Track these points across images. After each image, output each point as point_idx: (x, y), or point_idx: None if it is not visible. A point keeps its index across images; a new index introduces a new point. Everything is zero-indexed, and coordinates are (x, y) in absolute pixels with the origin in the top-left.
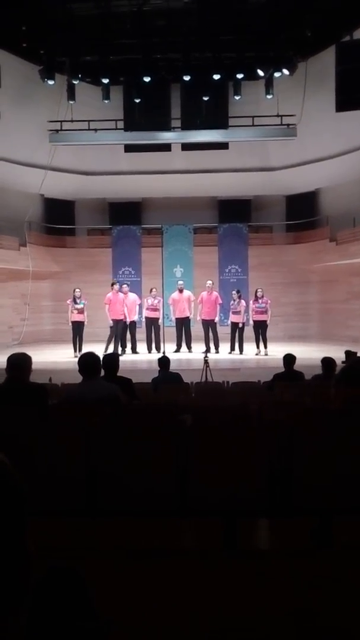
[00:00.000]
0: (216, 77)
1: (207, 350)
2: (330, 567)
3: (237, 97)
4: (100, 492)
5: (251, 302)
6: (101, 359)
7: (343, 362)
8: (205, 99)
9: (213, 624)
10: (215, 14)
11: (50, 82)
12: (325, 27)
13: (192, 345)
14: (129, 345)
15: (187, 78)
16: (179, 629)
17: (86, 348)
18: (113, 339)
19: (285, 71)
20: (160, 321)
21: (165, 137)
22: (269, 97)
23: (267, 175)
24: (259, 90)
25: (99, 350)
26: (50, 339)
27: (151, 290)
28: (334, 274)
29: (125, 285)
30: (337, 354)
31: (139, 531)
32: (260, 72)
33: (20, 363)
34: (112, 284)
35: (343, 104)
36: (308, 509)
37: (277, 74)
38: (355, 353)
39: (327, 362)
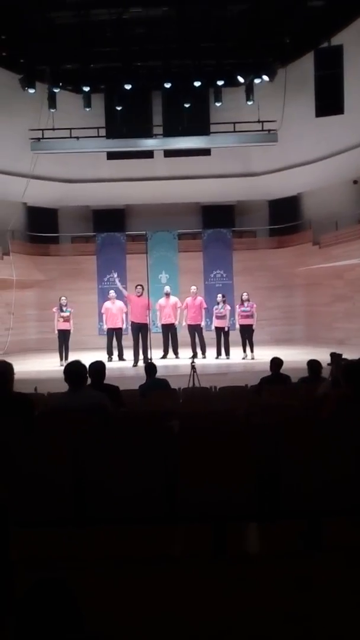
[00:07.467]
0: (197, 84)
1: (194, 356)
2: (320, 569)
3: (218, 104)
4: (88, 501)
5: (237, 306)
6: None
7: (329, 364)
8: (187, 105)
9: (205, 631)
10: (194, 21)
11: (31, 91)
12: (303, 33)
13: (179, 350)
14: (115, 353)
15: (167, 85)
16: (170, 637)
17: (72, 356)
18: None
19: (265, 77)
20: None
21: (147, 144)
22: (249, 103)
23: (249, 180)
24: (240, 96)
25: (85, 358)
26: (35, 348)
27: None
28: (317, 277)
29: (111, 292)
30: (323, 356)
31: (128, 539)
32: (241, 79)
33: (1, 370)
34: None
35: (322, 109)
36: (297, 512)
37: (257, 81)
38: (341, 355)
39: (313, 364)
